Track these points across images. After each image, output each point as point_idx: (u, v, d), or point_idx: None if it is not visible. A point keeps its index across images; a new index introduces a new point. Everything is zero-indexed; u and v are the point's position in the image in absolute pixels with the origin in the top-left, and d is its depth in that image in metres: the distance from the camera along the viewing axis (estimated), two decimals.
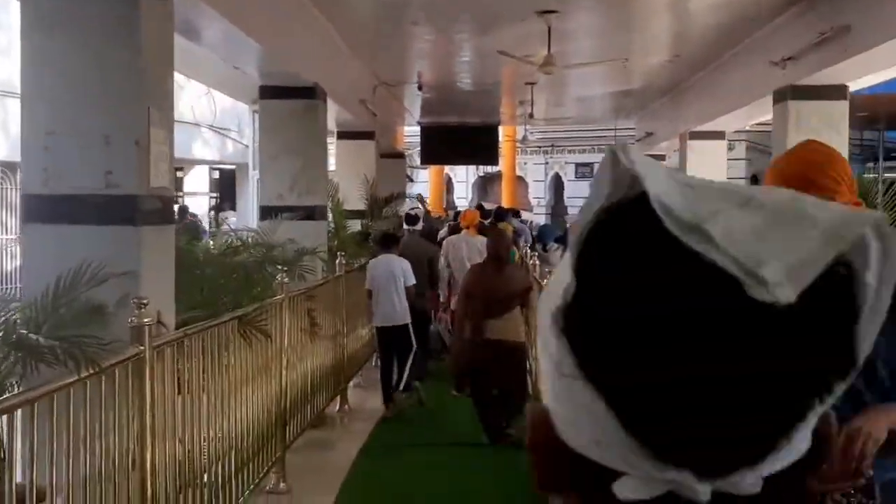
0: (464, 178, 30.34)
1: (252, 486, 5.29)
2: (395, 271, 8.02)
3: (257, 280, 5.86)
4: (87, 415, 3.29)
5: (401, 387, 8.04)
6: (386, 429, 7.66)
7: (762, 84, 9.17)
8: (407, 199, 15.72)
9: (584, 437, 0.59)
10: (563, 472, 0.59)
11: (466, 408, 7.24)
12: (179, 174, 22.00)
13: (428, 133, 16.88)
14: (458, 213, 13.28)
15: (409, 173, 19.99)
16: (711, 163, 13.03)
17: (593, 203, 0.64)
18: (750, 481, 0.60)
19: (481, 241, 9.11)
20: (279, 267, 6.17)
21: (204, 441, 4.50)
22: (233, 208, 18.46)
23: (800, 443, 0.61)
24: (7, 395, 3.19)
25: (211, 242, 7.18)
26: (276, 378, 5.93)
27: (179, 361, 4.15)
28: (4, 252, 13.19)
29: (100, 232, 4.25)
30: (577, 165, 28.30)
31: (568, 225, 16.77)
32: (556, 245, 11.04)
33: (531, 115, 13.78)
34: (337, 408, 8.18)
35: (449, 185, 28.68)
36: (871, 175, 15.43)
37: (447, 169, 26.51)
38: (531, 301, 6.89)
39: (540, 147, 27.69)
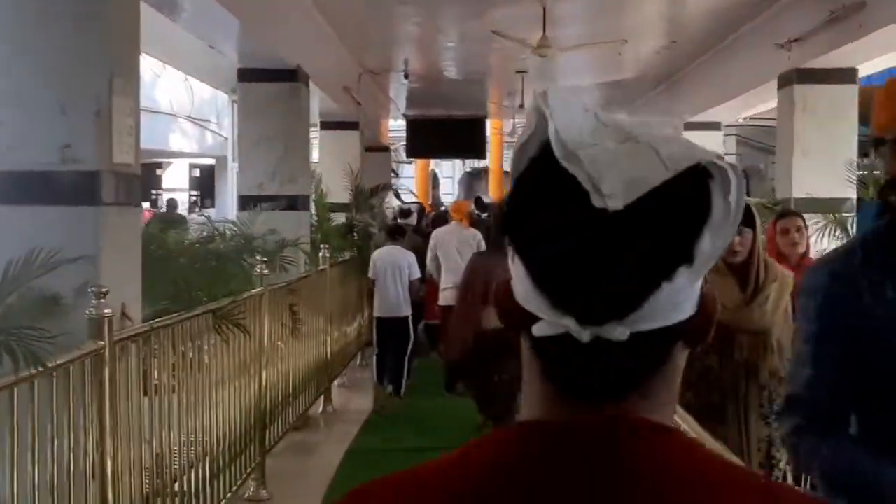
0: (450, 173, 30.30)
1: (229, 494, 5.10)
2: (401, 263, 8.18)
3: (234, 272, 5.59)
4: (36, 418, 3.01)
5: (402, 380, 8.22)
6: (373, 431, 7.44)
7: (766, 69, 8.97)
8: (398, 190, 15.56)
9: (520, 294, 0.84)
10: (516, 318, 0.84)
11: (457, 409, 6.98)
12: (158, 171, 21.65)
13: (414, 126, 16.79)
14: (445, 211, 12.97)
15: (394, 167, 19.67)
16: None
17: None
18: (619, 331, 0.78)
19: (473, 233, 8.81)
20: (259, 258, 5.85)
21: (175, 446, 4.28)
22: (213, 205, 18.25)
23: (669, 308, 0.80)
24: None
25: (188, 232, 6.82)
26: (255, 377, 5.73)
27: (146, 359, 3.88)
28: None
29: (56, 213, 3.88)
30: None
31: None
32: None
33: (521, 106, 13.62)
34: (321, 409, 8.01)
35: (435, 180, 28.53)
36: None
37: (433, 164, 26.43)
38: None
39: None
